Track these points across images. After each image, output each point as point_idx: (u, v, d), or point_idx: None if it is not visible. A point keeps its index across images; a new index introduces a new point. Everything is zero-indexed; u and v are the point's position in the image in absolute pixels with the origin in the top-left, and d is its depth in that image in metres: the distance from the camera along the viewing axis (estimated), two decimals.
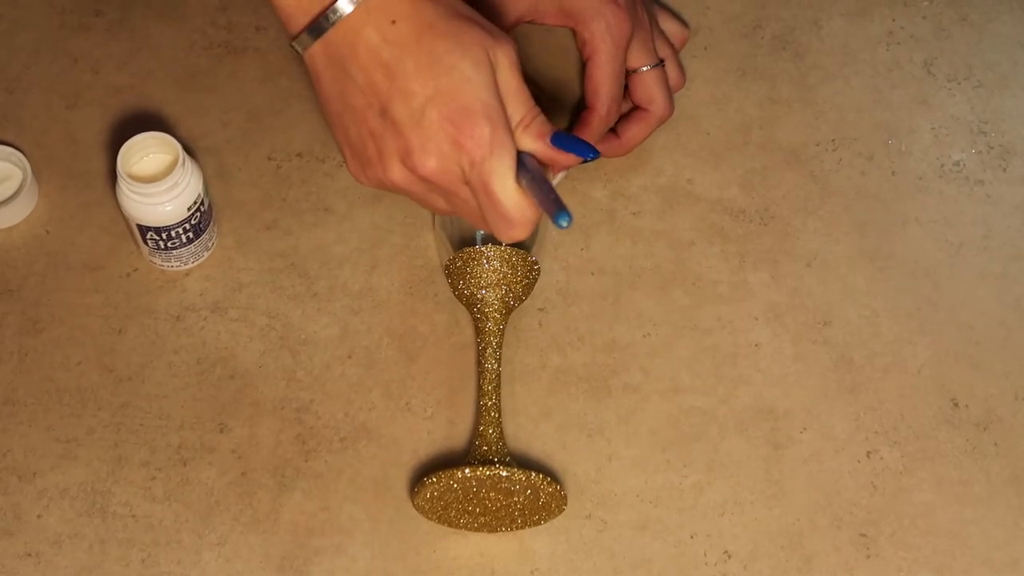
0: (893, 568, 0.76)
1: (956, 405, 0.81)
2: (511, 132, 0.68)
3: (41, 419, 0.79)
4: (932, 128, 0.91)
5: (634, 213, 0.87)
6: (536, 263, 0.80)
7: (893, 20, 0.95)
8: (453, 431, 0.79)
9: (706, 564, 0.76)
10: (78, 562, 0.75)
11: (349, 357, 0.81)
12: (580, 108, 0.86)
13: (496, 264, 0.79)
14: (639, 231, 0.86)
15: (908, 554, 0.76)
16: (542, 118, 0.70)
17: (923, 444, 0.79)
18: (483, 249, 0.79)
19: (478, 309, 0.79)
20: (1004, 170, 0.89)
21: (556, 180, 0.85)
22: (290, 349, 0.81)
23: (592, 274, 0.84)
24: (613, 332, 0.82)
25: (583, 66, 0.83)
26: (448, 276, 0.80)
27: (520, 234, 0.70)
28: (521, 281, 0.80)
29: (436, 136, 0.67)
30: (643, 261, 0.85)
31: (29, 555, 0.75)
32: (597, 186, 0.87)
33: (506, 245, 0.79)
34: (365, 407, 0.80)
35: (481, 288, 0.79)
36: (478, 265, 0.79)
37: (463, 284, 0.79)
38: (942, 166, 0.89)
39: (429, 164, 0.68)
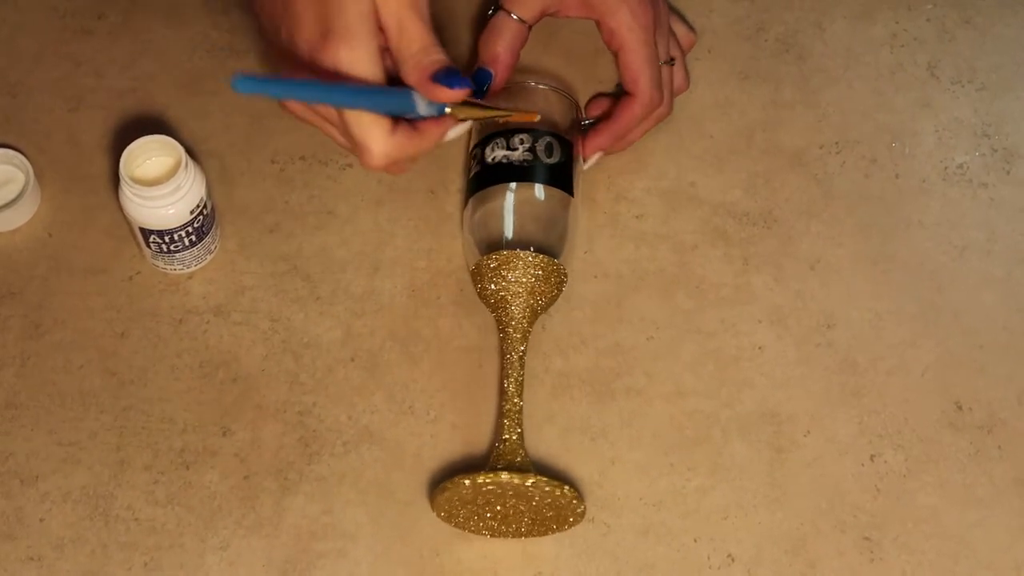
0: (897, 571, 0.76)
1: (960, 408, 0.81)
2: (375, 60, 0.69)
3: (43, 422, 0.79)
4: (936, 131, 0.91)
5: (637, 216, 0.87)
6: (564, 270, 0.80)
7: (896, 23, 0.95)
8: (456, 434, 0.79)
9: (709, 568, 0.76)
10: (80, 566, 0.75)
11: (352, 360, 0.81)
12: (596, 96, 0.88)
13: (527, 270, 0.78)
14: (642, 234, 0.86)
15: (912, 557, 0.76)
16: (436, 56, 0.70)
17: (927, 447, 0.79)
18: (515, 253, 0.78)
19: (506, 313, 0.79)
20: (1008, 173, 0.89)
21: (588, 164, 0.85)
22: (293, 352, 0.81)
23: (595, 277, 0.84)
24: (616, 335, 0.82)
25: (615, 57, 0.83)
26: (476, 278, 0.80)
27: (373, 161, 0.70)
28: (551, 290, 0.79)
29: (303, 56, 0.70)
30: (646, 264, 0.85)
31: (31, 559, 0.75)
32: (600, 189, 0.87)
33: (534, 251, 0.78)
34: (368, 410, 0.80)
35: (510, 292, 0.78)
36: (508, 270, 0.78)
37: (493, 287, 0.79)
38: (946, 169, 0.89)
39: (298, 72, 0.70)
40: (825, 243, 0.86)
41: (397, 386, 0.80)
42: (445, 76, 0.69)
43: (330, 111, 0.71)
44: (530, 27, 0.83)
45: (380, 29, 0.70)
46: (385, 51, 0.71)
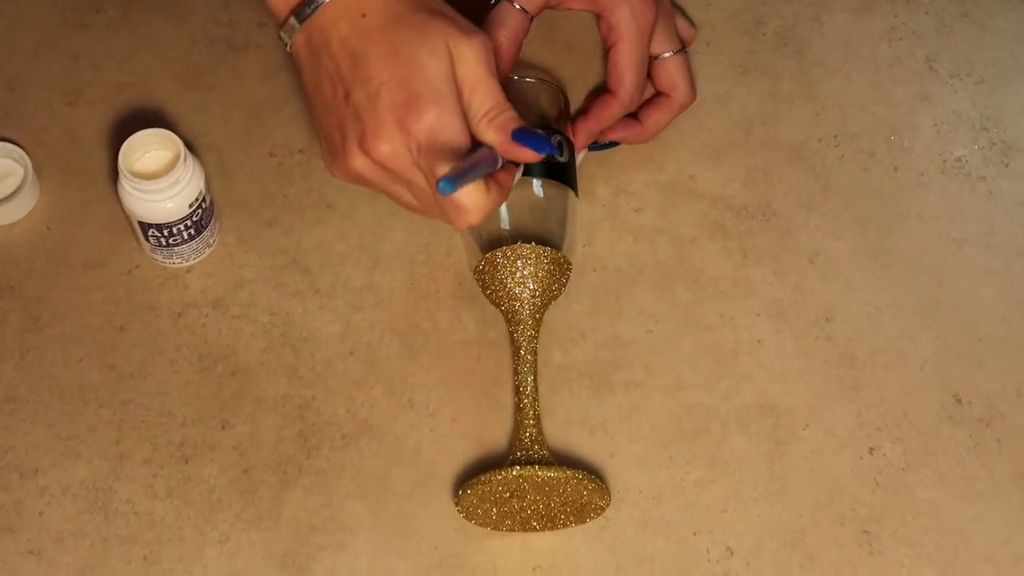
0: (896, 565, 0.76)
1: (959, 401, 0.81)
2: (462, 120, 0.70)
3: (43, 416, 0.79)
4: (934, 124, 0.91)
5: (636, 210, 0.87)
6: (568, 261, 0.80)
7: (895, 16, 0.95)
8: (455, 428, 0.79)
9: (708, 561, 0.76)
10: (80, 560, 0.75)
11: (351, 354, 0.81)
12: (596, 91, 0.88)
13: (539, 263, 0.78)
14: (641, 228, 0.86)
15: (911, 551, 0.76)
16: (509, 114, 0.71)
17: (926, 440, 0.79)
18: (529, 247, 0.78)
19: (514, 309, 0.78)
20: (1006, 166, 0.89)
21: (579, 159, 0.85)
22: (292, 346, 0.81)
23: (594, 270, 0.84)
24: (615, 329, 0.82)
25: (606, 52, 0.83)
26: (479, 277, 0.80)
27: (471, 219, 0.72)
28: (560, 283, 0.79)
29: (387, 120, 0.70)
30: (645, 257, 0.85)
31: (31, 552, 0.75)
32: (599, 183, 0.87)
33: (535, 244, 0.78)
34: (367, 404, 0.80)
35: (515, 288, 0.78)
36: (511, 266, 0.78)
37: (497, 285, 0.79)
38: (944, 162, 0.89)
39: (382, 148, 0.70)
40: (824, 236, 0.86)
41: (396, 380, 0.80)
42: (524, 137, 0.71)
43: (418, 178, 0.71)
44: (532, 18, 0.83)
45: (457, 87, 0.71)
46: None
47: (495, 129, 0.71)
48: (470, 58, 0.70)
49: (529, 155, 0.71)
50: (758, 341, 0.82)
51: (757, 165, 0.89)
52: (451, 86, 0.70)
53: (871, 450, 0.79)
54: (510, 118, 0.71)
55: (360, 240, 0.85)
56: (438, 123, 0.69)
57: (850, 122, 0.90)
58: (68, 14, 0.93)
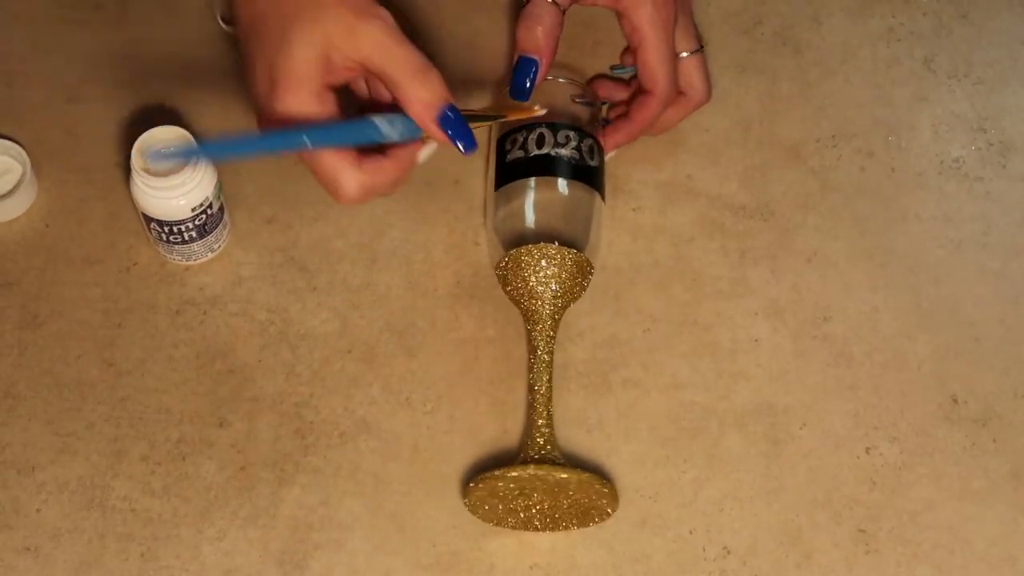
0: (892, 564, 0.76)
1: (955, 401, 0.81)
2: (317, 98, 0.68)
3: (40, 413, 0.79)
4: (932, 125, 0.91)
5: (634, 209, 0.87)
6: (591, 264, 0.79)
7: (893, 16, 0.95)
8: (453, 426, 0.79)
9: (705, 559, 0.76)
10: (77, 556, 0.75)
11: (349, 352, 0.81)
12: (591, 80, 0.88)
13: (554, 265, 0.78)
14: (639, 227, 0.86)
15: (907, 550, 0.76)
16: (434, 89, 0.68)
17: (922, 440, 0.80)
18: (541, 247, 0.78)
19: (534, 308, 0.78)
20: (1004, 167, 0.89)
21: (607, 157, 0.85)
22: (289, 344, 0.81)
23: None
24: (613, 328, 0.82)
25: (632, 51, 0.82)
26: (501, 273, 0.79)
27: (340, 196, 0.69)
28: (577, 284, 0.79)
29: (259, 109, 0.70)
30: (643, 257, 0.85)
31: (28, 549, 0.75)
32: None
33: (559, 245, 0.78)
34: (364, 402, 0.80)
35: (538, 287, 0.78)
36: (535, 264, 0.78)
37: (519, 282, 0.79)
38: (942, 163, 0.89)
39: (262, 122, 0.70)
40: (822, 236, 0.86)
41: (394, 377, 0.80)
42: (452, 125, 0.68)
43: (304, 156, 0.69)
44: (564, 11, 0.82)
45: (347, 67, 0.69)
46: (371, 77, 0.71)
47: (420, 108, 0.68)
48: (379, 30, 0.68)
49: (444, 139, 0.69)
50: (755, 340, 0.82)
51: (755, 165, 0.89)
52: (312, 68, 0.68)
53: (868, 449, 0.79)
54: (438, 97, 0.68)
55: (358, 238, 0.85)
56: (292, 105, 0.68)
57: (848, 122, 0.91)
58: (67, 11, 0.93)
